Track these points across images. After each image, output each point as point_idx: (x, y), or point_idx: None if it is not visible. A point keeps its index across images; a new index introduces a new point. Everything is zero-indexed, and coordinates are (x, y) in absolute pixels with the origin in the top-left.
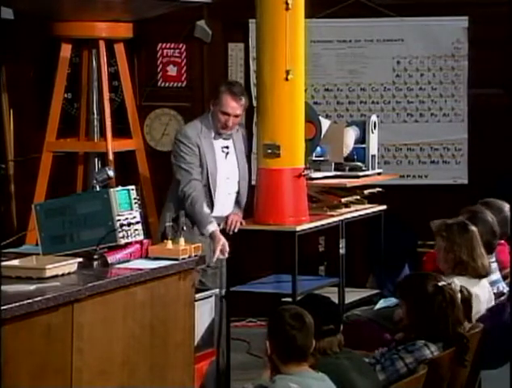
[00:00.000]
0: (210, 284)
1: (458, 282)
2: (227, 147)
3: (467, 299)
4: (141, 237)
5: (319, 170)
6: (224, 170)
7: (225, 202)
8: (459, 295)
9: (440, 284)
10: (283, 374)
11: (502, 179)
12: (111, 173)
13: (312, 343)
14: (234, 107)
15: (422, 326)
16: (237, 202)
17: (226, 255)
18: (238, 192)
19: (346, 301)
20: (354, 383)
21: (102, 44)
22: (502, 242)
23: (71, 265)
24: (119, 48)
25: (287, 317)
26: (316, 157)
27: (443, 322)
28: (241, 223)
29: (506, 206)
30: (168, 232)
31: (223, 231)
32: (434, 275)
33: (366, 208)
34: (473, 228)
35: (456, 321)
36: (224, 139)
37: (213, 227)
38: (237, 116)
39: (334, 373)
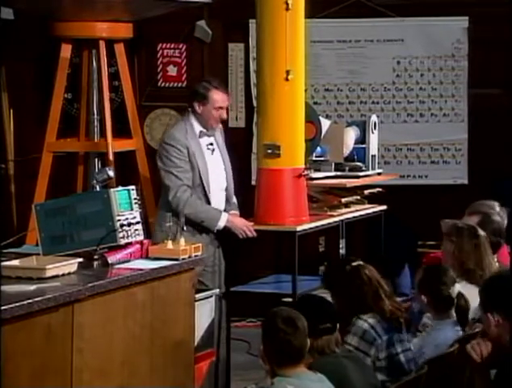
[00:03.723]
0: (209, 284)
1: (459, 288)
2: (211, 144)
3: (463, 307)
4: (141, 237)
5: (319, 170)
6: (213, 167)
7: (220, 199)
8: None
9: (355, 264)
10: (280, 376)
11: (500, 180)
12: (111, 173)
13: (306, 343)
14: (225, 99)
15: (347, 305)
16: (227, 200)
17: (254, 233)
18: (227, 188)
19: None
20: (352, 382)
21: (102, 44)
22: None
23: (71, 265)
24: (120, 48)
25: (279, 322)
26: (316, 157)
27: (362, 298)
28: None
29: (496, 203)
30: (168, 232)
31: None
32: (349, 258)
33: (366, 209)
34: (483, 234)
35: (376, 297)
36: (209, 136)
37: (225, 218)
38: (226, 108)
39: (333, 372)
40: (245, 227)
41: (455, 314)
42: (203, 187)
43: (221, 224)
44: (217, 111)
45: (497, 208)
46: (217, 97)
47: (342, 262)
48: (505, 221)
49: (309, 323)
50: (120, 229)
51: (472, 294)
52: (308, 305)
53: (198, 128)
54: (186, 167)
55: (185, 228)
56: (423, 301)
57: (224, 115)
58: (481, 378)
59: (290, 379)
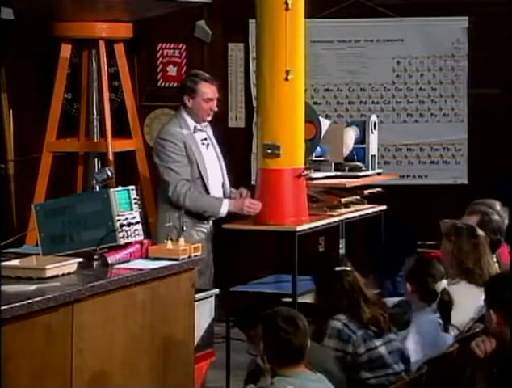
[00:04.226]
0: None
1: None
2: (205, 139)
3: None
4: (141, 237)
5: (319, 170)
6: (210, 161)
7: (219, 193)
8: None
9: (340, 268)
10: (280, 376)
11: (500, 180)
12: (110, 173)
13: (307, 343)
14: (214, 90)
15: (323, 304)
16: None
17: (259, 205)
18: (223, 184)
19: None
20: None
21: (102, 44)
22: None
23: (71, 265)
24: (119, 49)
25: (279, 321)
26: (316, 157)
27: (338, 303)
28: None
29: (497, 202)
30: (168, 232)
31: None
32: (339, 259)
33: (366, 209)
34: (481, 234)
35: (355, 304)
36: (202, 131)
37: (227, 204)
38: (216, 99)
39: None
40: (249, 204)
41: (435, 307)
42: (203, 181)
43: (223, 210)
44: (207, 103)
45: (498, 207)
46: (206, 89)
47: (331, 261)
48: (506, 221)
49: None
50: (120, 229)
51: (471, 293)
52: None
53: (191, 123)
54: (184, 161)
55: (184, 228)
56: (407, 289)
57: (215, 107)
58: (484, 376)
59: (290, 379)
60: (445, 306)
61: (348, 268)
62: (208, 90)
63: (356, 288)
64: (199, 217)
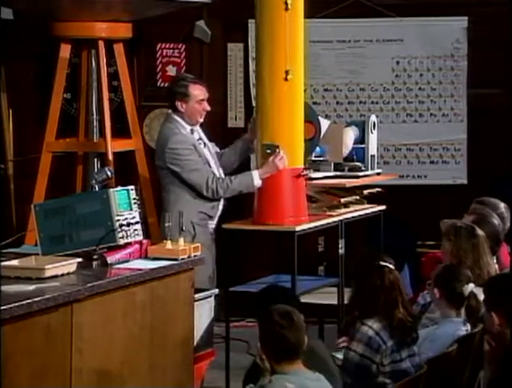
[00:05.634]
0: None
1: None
2: (200, 139)
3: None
4: (141, 237)
5: (318, 170)
6: (211, 159)
7: None
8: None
9: (383, 263)
10: (278, 374)
11: (499, 180)
12: (110, 173)
13: (303, 339)
14: (204, 91)
15: (359, 302)
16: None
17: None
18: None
19: (346, 302)
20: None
21: (101, 44)
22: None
23: (70, 265)
24: (119, 48)
25: (275, 316)
26: (315, 157)
27: (375, 300)
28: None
29: (501, 204)
30: (167, 232)
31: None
32: (382, 255)
33: (365, 209)
34: (481, 233)
35: (391, 302)
36: (196, 133)
37: (257, 175)
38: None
39: None
40: (277, 160)
41: (463, 313)
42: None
43: (257, 182)
44: (200, 105)
45: (502, 209)
46: (197, 91)
47: (375, 257)
48: (508, 222)
49: None
50: (119, 229)
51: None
52: (270, 295)
53: (186, 126)
54: (201, 160)
55: (184, 228)
56: (435, 295)
57: (208, 107)
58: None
59: (288, 376)
60: (473, 311)
61: (391, 266)
62: (200, 91)
63: (396, 287)
64: (206, 216)
